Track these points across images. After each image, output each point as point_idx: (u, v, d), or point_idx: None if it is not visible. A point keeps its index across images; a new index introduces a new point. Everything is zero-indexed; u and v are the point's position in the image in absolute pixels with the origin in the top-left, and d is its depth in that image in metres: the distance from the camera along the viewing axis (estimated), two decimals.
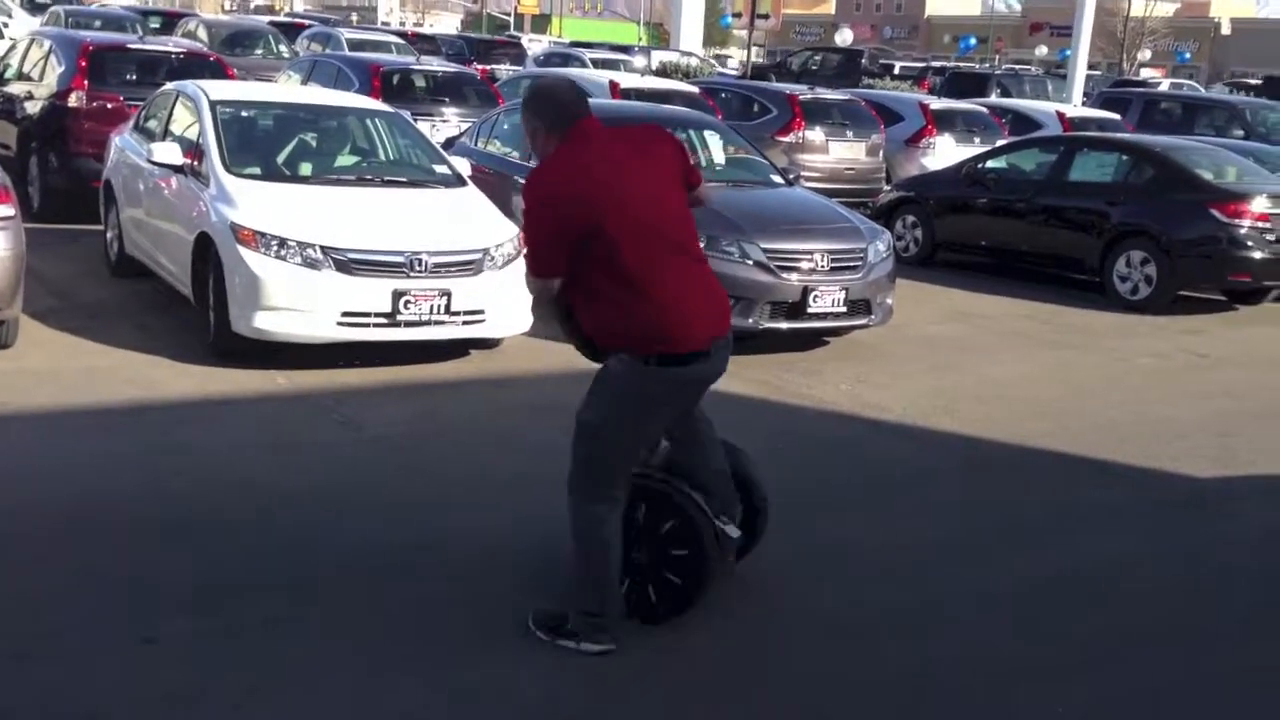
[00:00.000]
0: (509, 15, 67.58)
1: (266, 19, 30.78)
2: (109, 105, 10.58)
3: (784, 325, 7.84)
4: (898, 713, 3.77)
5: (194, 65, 11.53)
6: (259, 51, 20.62)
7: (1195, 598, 4.87)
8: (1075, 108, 20.96)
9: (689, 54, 27.65)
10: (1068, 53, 33.94)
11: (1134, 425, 7.13)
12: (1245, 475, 6.39)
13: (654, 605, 4.12)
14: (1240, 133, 18.33)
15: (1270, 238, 10.51)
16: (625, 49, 31.09)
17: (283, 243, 6.67)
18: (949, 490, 5.94)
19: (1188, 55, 64.72)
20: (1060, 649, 4.31)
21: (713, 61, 34.02)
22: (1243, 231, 10.44)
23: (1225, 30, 68.13)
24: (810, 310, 7.85)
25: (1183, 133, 17.26)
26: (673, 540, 4.07)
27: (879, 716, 3.75)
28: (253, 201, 6.98)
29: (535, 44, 34.43)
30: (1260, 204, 10.56)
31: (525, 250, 3.86)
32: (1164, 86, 32.67)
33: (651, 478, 4.11)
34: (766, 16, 31.26)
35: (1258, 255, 10.48)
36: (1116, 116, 18.80)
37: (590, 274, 3.71)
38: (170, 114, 8.29)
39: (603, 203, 3.64)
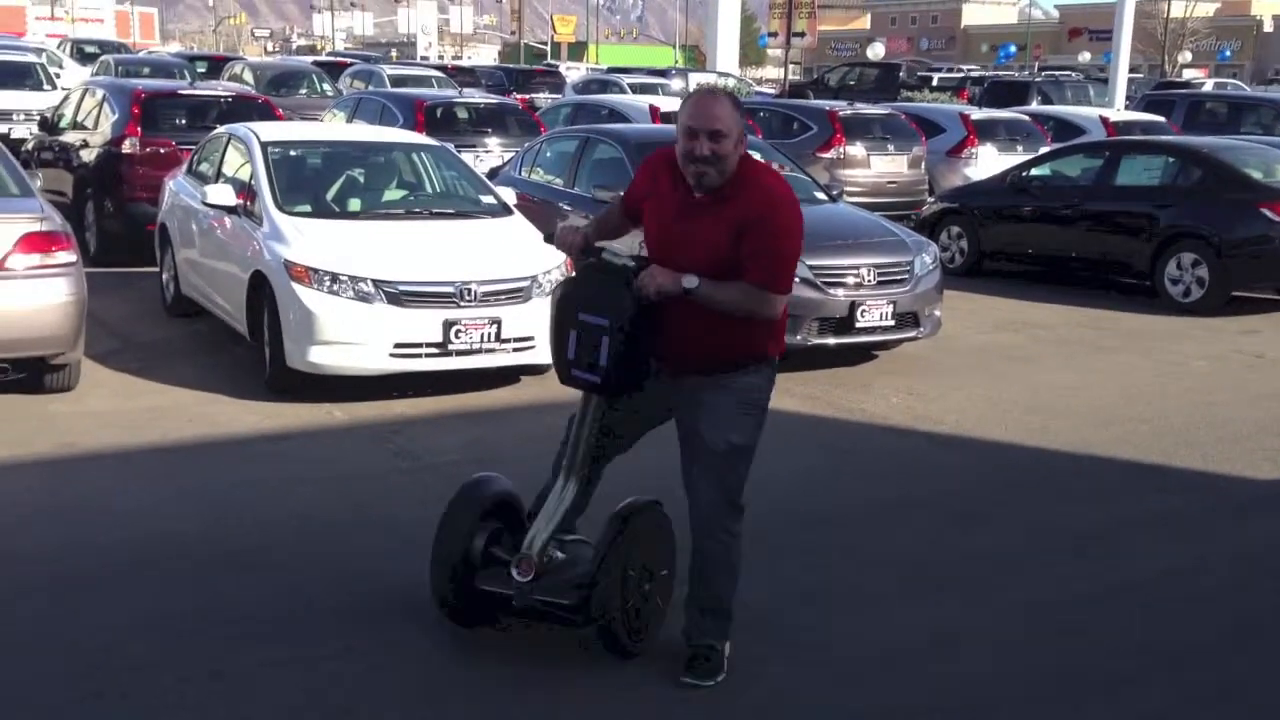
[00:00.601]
0: (545, 44, 68.20)
1: (310, 59, 31.33)
2: (162, 150, 10.83)
3: (832, 340, 7.84)
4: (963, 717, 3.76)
5: (243, 108, 11.77)
6: (304, 91, 20.99)
7: (1262, 602, 4.80)
8: (1119, 111, 20.80)
9: (726, 75, 27.76)
10: (1109, 56, 33.67)
11: (1191, 429, 7.04)
12: None
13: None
14: None
15: None
16: (662, 72, 31.23)
17: (335, 278, 6.79)
18: (1005, 501, 5.90)
19: (1229, 54, 63.93)
20: (1126, 657, 4.27)
21: (750, 82, 34.12)
22: None
23: (1267, 28, 67.29)
24: (858, 325, 7.85)
25: (1229, 132, 17.09)
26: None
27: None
28: (305, 239, 7.11)
29: (573, 71, 34.74)
30: None
31: (779, 272, 3.72)
32: (1208, 87, 32.29)
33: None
34: (802, 35, 31.36)
35: None
36: (1161, 119, 18.62)
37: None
38: (222, 156, 8.47)
39: None
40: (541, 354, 7.27)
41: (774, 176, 3.85)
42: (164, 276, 9.17)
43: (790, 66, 34.12)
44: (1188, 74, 50.22)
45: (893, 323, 8.01)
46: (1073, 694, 4.01)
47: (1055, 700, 3.97)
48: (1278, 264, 10.45)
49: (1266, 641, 4.46)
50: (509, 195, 8.45)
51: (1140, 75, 42.59)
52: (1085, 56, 61.36)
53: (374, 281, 6.79)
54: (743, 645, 4.07)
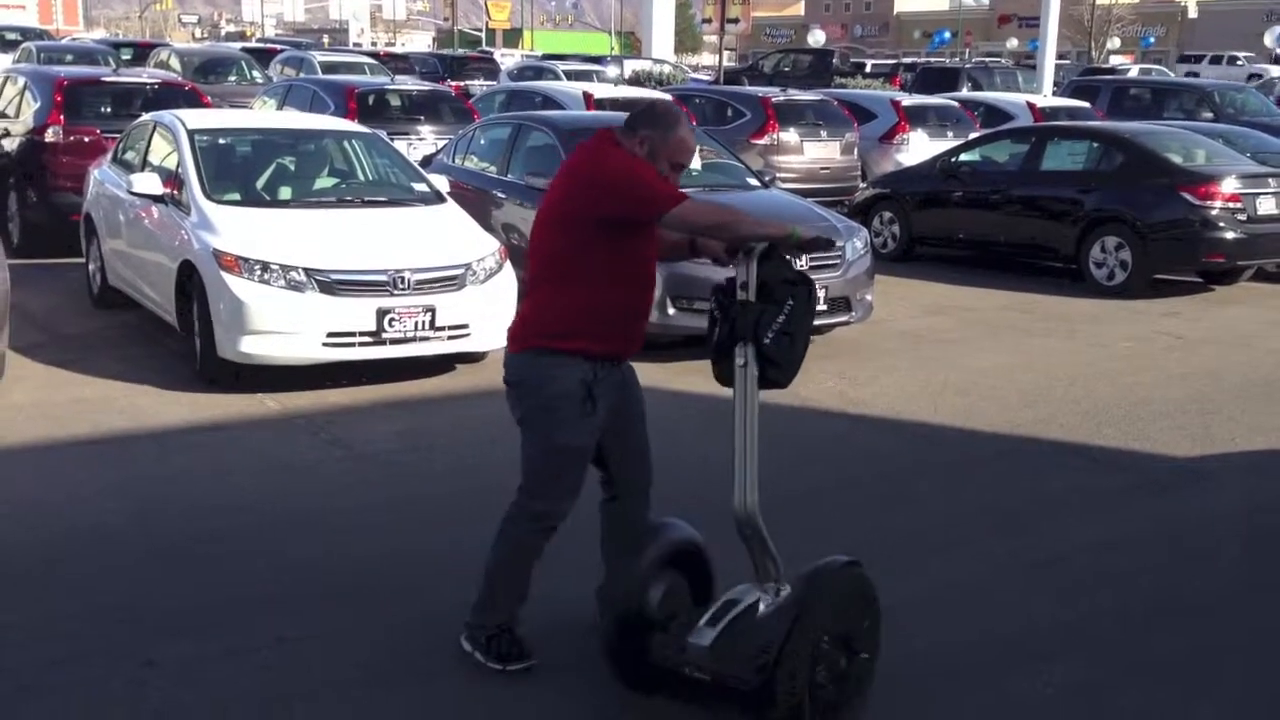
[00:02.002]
0: (480, 31, 67.70)
1: (239, 45, 30.82)
2: (86, 139, 10.63)
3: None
4: (890, 698, 3.83)
5: (169, 95, 11.58)
6: (232, 78, 20.66)
7: (1181, 575, 4.95)
8: (1046, 98, 21.14)
9: (661, 61, 27.78)
10: (1037, 43, 34.18)
11: (1116, 409, 7.22)
12: (1225, 453, 6.48)
13: None
14: (1209, 115, 18.53)
15: (1241, 218, 10.64)
16: (598, 59, 31.18)
17: (266, 267, 6.73)
18: (936, 482, 6.01)
19: (1152, 40, 65.16)
20: (1049, 632, 4.38)
21: (685, 68, 34.15)
22: (1214, 213, 10.57)
23: (1192, 14, 68.67)
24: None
25: (1152, 118, 17.45)
26: None
27: (876, 703, 3.81)
28: (234, 227, 7.03)
29: (508, 58, 34.54)
30: (1230, 185, 10.70)
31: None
32: (1133, 73, 32.91)
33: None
34: (736, 21, 31.44)
35: (1230, 236, 10.60)
36: (1087, 105, 18.97)
37: None
38: (148, 145, 8.34)
39: None
40: (477, 341, 7.28)
41: None
42: (90, 268, 9.02)
43: (725, 53, 34.19)
44: (1114, 60, 51.10)
45: (825, 307, 8.09)
46: (996, 667, 4.12)
47: (979, 673, 4.07)
48: (1198, 246, 10.71)
49: (1184, 615, 4.60)
50: (442, 183, 8.42)
51: (1068, 62, 43.27)
52: (1013, 43, 62.20)
53: (306, 270, 6.74)
54: None
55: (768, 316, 3.50)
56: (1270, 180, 11.06)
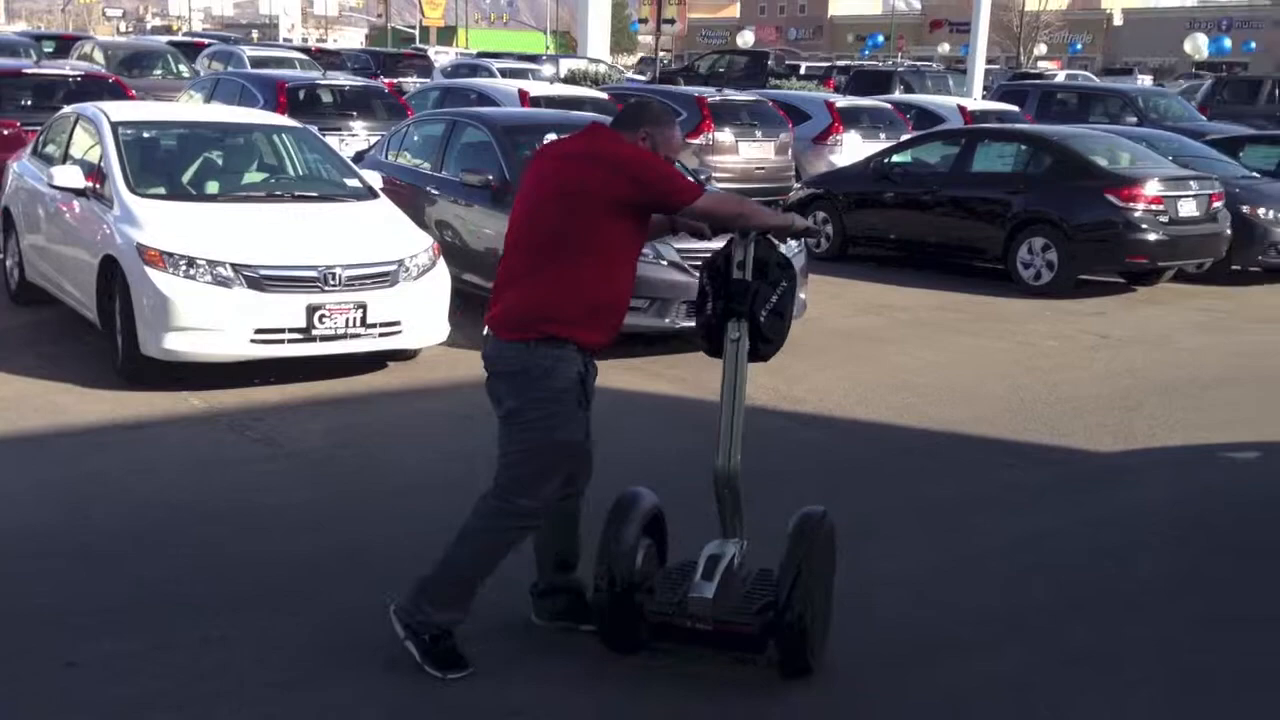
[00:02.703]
0: (414, 28, 67.16)
1: (165, 39, 30.27)
2: (5, 131, 10.41)
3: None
4: (824, 692, 3.86)
5: (92, 87, 11.37)
6: (158, 72, 20.30)
7: (1105, 568, 5.04)
8: (976, 101, 21.46)
9: (597, 61, 27.75)
10: (968, 48, 34.69)
11: (1041, 406, 7.34)
12: (1146, 448, 6.62)
13: None
14: (1133, 119, 18.92)
15: (1164, 220, 10.88)
16: (533, 58, 31.07)
17: (191, 262, 6.61)
18: (865, 477, 6.07)
19: (1079, 46, 66.42)
20: (978, 624, 4.44)
21: (621, 68, 34.18)
22: (1137, 215, 10.80)
23: (1117, 21, 70.12)
24: None
25: (1078, 121, 17.79)
26: None
27: (809, 696, 3.83)
28: (159, 222, 6.90)
29: (442, 56, 34.29)
30: (1153, 187, 10.93)
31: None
32: (1060, 78, 33.53)
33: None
34: (672, 21, 31.56)
35: (1152, 237, 10.84)
36: (1015, 108, 19.29)
37: None
38: (70, 137, 8.15)
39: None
40: (409, 339, 7.21)
41: None
42: (8, 263, 8.80)
43: (661, 53, 34.27)
44: (1042, 66, 52.00)
45: None
46: (927, 660, 4.16)
47: (910, 665, 4.11)
48: (1121, 247, 10.93)
49: (1109, 607, 4.68)
50: (374, 179, 8.33)
51: (997, 67, 43.95)
52: (945, 48, 63.06)
53: (233, 265, 6.63)
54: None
55: (763, 295, 3.75)
56: (1191, 183, 11.33)
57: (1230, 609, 4.68)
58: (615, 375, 7.09)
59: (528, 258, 3.73)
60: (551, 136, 9.72)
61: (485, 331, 3.85)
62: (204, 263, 6.61)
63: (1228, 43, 48.96)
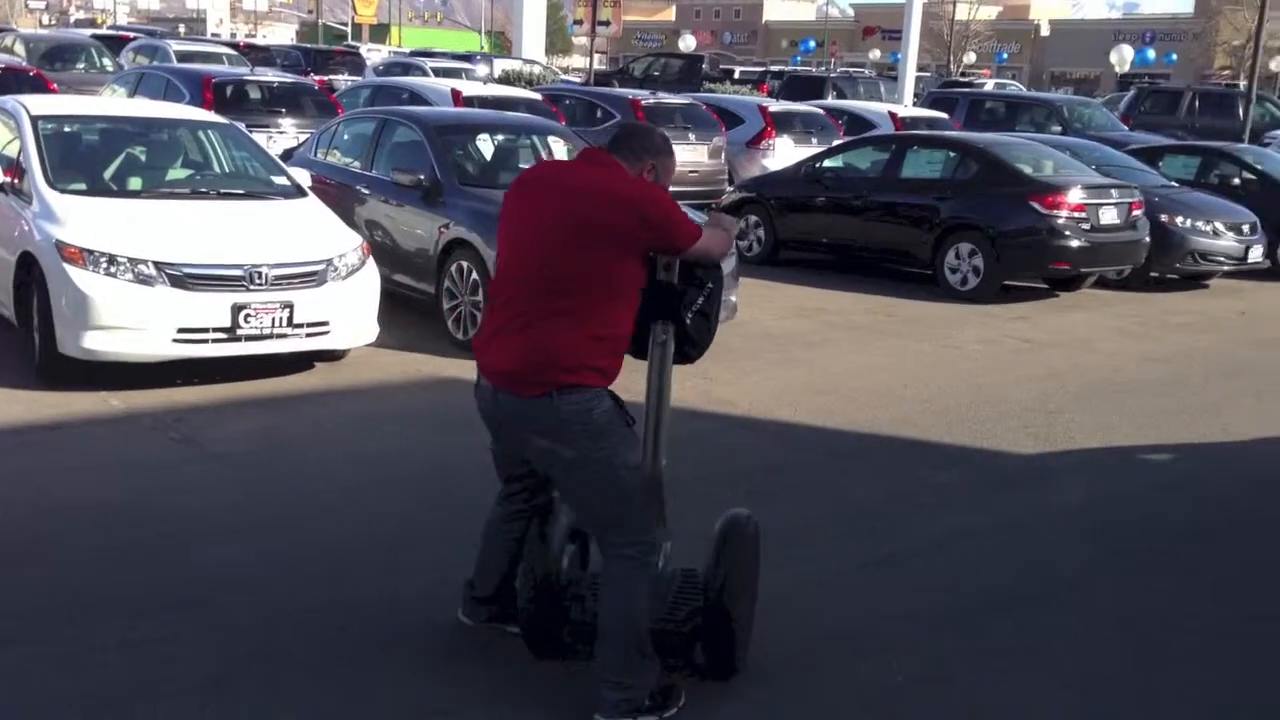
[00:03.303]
0: (346, 25, 66.45)
1: (89, 32, 29.66)
2: None
3: None
4: (744, 691, 3.89)
5: (11, 81, 11.12)
6: (81, 65, 19.91)
7: (1025, 566, 5.14)
8: (906, 108, 21.74)
9: (532, 62, 27.69)
10: (899, 56, 35.13)
11: (966, 409, 7.46)
12: (1065, 450, 6.76)
13: None
14: (1058, 128, 19.31)
15: (1086, 227, 11.11)
16: (467, 57, 30.90)
17: (112, 259, 6.48)
18: (792, 479, 6.12)
19: (1005, 56, 67.55)
20: (900, 622, 4.50)
21: (556, 70, 34.12)
22: (1060, 222, 11.01)
23: (1044, 31, 71.42)
24: None
25: (1006, 129, 18.11)
26: None
27: (729, 696, 3.86)
28: (79, 218, 6.76)
29: (375, 53, 33.97)
30: (1076, 195, 11.16)
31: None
32: (989, 86, 34.10)
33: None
34: (607, 24, 31.53)
35: (1075, 244, 11.06)
36: (945, 115, 19.57)
37: None
38: None
39: (506, 212, 3.69)
40: (336, 339, 7.14)
41: None
42: None
43: (596, 56, 34.26)
44: (973, 74, 52.81)
45: None
46: (849, 658, 4.21)
47: (833, 664, 4.15)
48: (1045, 254, 11.14)
49: (1028, 604, 4.78)
50: (303, 177, 8.23)
51: (928, 74, 44.57)
52: (876, 54, 63.80)
53: (155, 263, 6.51)
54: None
55: (689, 298, 3.71)
56: (1113, 191, 11.59)
57: (1141, 604, 4.80)
58: None
59: (546, 300, 3.46)
60: (485, 138, 9.74)
61: (484, 383, 3.62)
62: (125, 260, 6.49)
63: (1151, 54, 50.10)
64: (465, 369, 7.59)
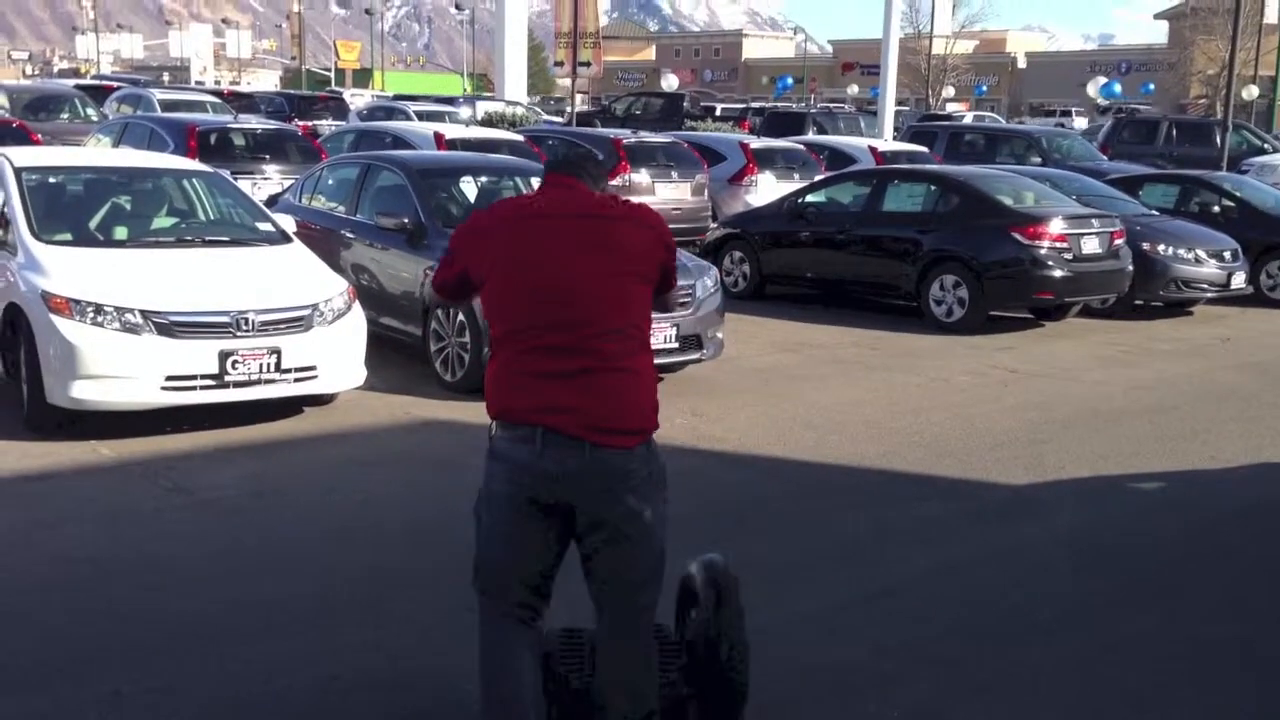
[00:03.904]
0: (329, 70, 66.82)
1: (72, 83, 29.77)
2: None
3: None
4: None
5: None
6: (65, 116, 19.98)
7: (1016, 597, 5.14)
8: (886, 142, 21.94)
9: (514, 103, 27.88)
10: (878, 90, 35.47)
11: (954, 440, 7.49)
12: (1055, 480, 6.78)
13: None
14: (1038, 159, 19.49)
15: (1068, 257, 11.19)
16: (450, 100, 31.10)
17: (99, 309, 6.49)
18: (783, 513, 6.12)
19: (985, 89, 68.27)
20: (893, 655, 4.50)
21: (538, 110, 34.34)
22: (1043, 252, 11.10)
23: (1021, 64, 72.28)
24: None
25: (986, 162, 18.28)
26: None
27: None
28: (65, 268, 6.77)
29: (358, 98, 34.17)
30: (1057, 225, 11.25)
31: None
32: (967, 119, 34.43)
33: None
34: (588, 64, 31.76)
35: (1058, 274, 11.14)
36: (925, 149, 19.74)
37: (489, 318, 3.33)
38: None
39: (486, 250, 3.30)
40: (324, 383, 7.14)
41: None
42: None
43: (579, 96, 34.50)
44: (950, 107, 53.33)
45: (676, 345, 8.20)
46: (843, 692, 4.21)
47: (826, 699, 4.15)
48: (1029, 284, 11.21)
49: (1020, 635, 4.78)
50: (288, 223, 8.26)
51: (907, 108, 45.03)
52: (854, 89, 64.37)
53: (142, 312, 6.52)
54: None
55: None
56: (1094, 221, 11.68)
57: (1134, 634, 4.80)
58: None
59: (618, 343, 3.18)
60: (468, 180, 9.78)
61: (546, 434, 3.13)
62: (112, 309, 6.49)
63: (1118, 88, 50.64)
64: (453, 410, 7.62)
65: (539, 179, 9.88)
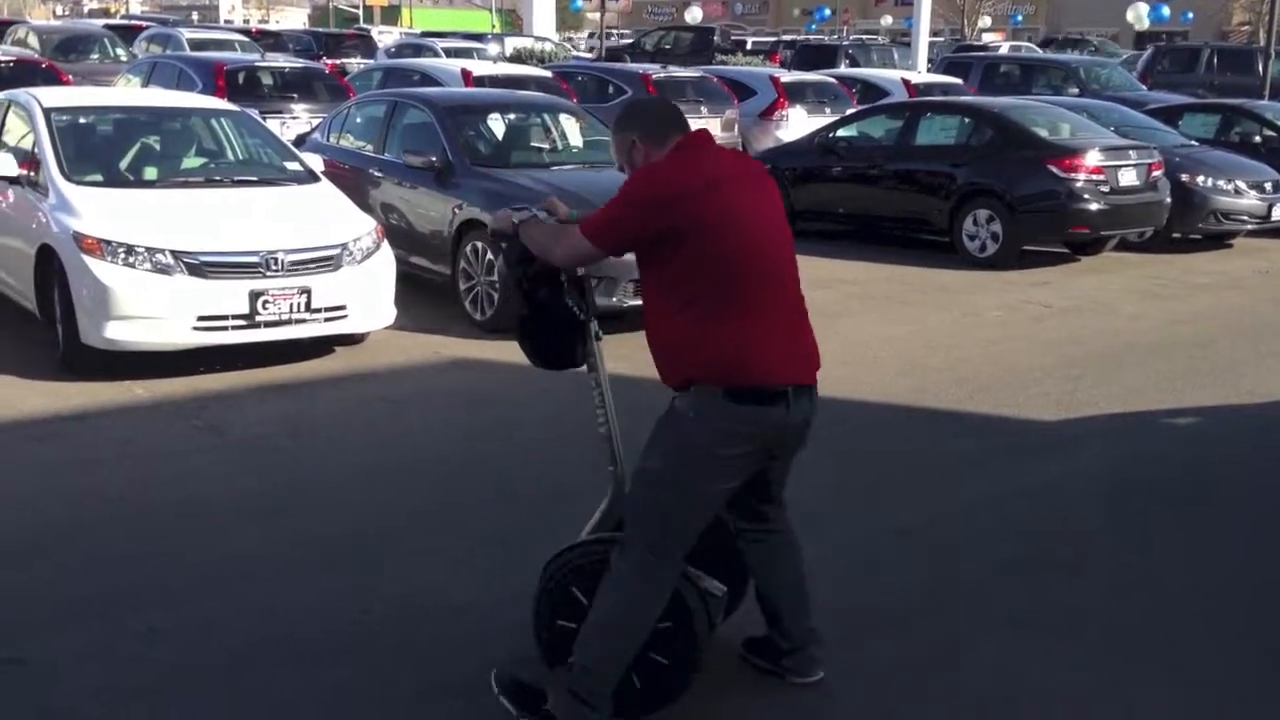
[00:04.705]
0: (358, 8, 66.34)
1: (102, 22, 29.73)
2: None
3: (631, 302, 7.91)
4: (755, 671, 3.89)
5: (25, 73, 11.19)
6: (95, 56, 19.96)
7: (1045, 534, 5.12)
8: (920, 74, 21.57)
9: (543, 39, 27.61)
10: (912, 21, 34.81)
11: (987, 376, 7.43)
12: (1088, 416, 6.72)
13: (638, 694, 3.44)
14: (1075, 90, 19.13)
15: (1105, 190, 11.01)
16: (479, 37, 30.83)
17: (130, 249, 6.51)
18: (814, 449, 6.06)
19: (1020, 18, 66.79)
20: (917, 593, 4.50)
21: (568, 45, 34.00)
22: (1079, 185, 10.91)
23: None
24: None
25: (1021, 93, 17.95)
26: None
27: (744, 667, 3.87)
28: (96, 209, 6.79)
29: (386, 36, 33.93)
30: (1094, 158, 11.05)
31: (598, 216, 3.44)
32: (1003, 49, 33.78)
33: (613, 541, 3.48)
34: None
35: (1094, 207, 10.97)
36: (959, 81, 19.41)
37: (681, 285, 3.28)
38: (2, 125, 8.01)
39: (718, 210, 3.27)
40: (354, 323, 7.17)
41: (671, 160, 3.39)
42: None
43: (608, 31, 34.15)
44: (986, 38, 52.31)
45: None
46: (870, 626, 4.21)
47: (847, 635, 4.14)
48: (1064, 218, 11.04)
49: (1048, 571, 4.76)
50: (316, 162, 8.25)
51: (942, 39, 44.18)
52: (888, 20, 63.19)
53: (173, 252, 6.55)
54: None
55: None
56: (1131, 153, 11.47)
57: (1167, 569, 4.78)
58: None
59: (796, 291, 3.49)
60: (496, 118, 9.71)
61: (796, 389, 3.39)
62: (143, 250, 6.52)
63: (1166, 11, 49.44)
64: (484, 349, 7.63)
65: (566, 114, 9.93)
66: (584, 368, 3.69)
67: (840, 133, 12.75)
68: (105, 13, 64.06)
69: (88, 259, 6.49)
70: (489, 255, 7.98)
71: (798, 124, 15.94)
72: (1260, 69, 22.64)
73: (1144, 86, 21.32)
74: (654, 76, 15.57)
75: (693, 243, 3.25)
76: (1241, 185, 12.44)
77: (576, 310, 3.60)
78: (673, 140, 3.44)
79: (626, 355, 7.46)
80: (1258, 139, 14.13)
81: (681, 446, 3.34)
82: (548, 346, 3.69)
